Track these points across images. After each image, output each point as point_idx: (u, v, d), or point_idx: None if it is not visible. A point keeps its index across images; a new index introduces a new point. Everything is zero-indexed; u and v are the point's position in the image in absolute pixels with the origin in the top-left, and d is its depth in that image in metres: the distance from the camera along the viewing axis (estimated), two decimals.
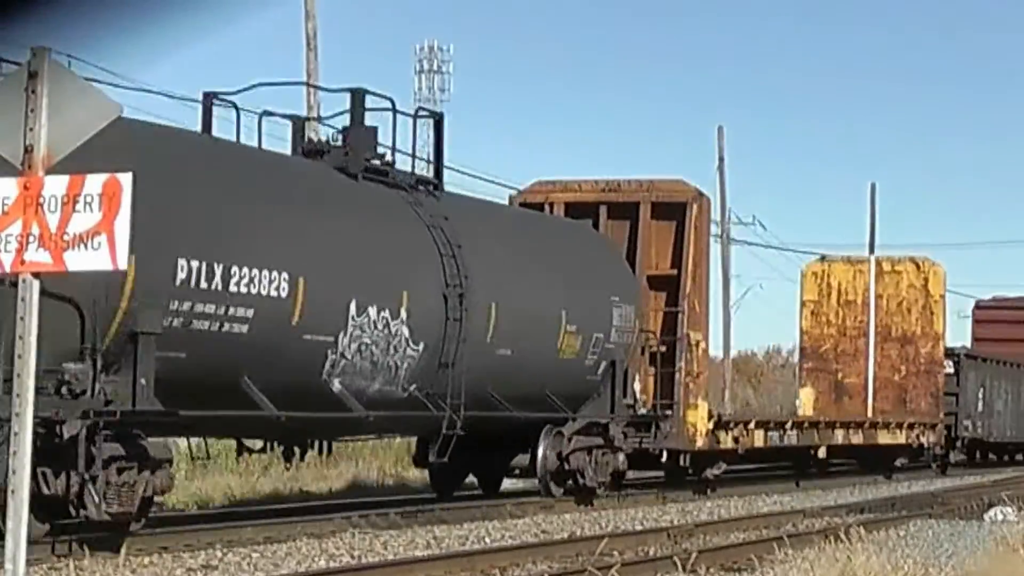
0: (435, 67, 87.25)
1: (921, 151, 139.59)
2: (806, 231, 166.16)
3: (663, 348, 27.34)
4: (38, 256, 9.38)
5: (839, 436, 34.95)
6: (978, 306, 55.58)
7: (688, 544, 19.22)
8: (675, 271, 27.70)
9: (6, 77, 9.73)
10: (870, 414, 38.49)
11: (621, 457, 25.11)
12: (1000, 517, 22.70)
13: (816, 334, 40.73)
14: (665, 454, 27.82)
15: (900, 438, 37.72)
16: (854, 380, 40.31)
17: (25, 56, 9.50)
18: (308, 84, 30.73)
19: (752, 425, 30.69)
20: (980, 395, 43.28)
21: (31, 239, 9.38)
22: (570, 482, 24.21)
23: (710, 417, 28.26)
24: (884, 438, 37.04)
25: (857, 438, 35.88)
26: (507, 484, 26.34)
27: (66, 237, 9.33)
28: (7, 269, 9.46)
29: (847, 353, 40.40)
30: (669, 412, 27.01)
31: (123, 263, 9.39)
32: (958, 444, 41.89)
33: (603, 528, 21.58)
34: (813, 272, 41.02)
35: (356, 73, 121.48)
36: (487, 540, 19.70)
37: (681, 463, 28.11)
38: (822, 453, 34.40)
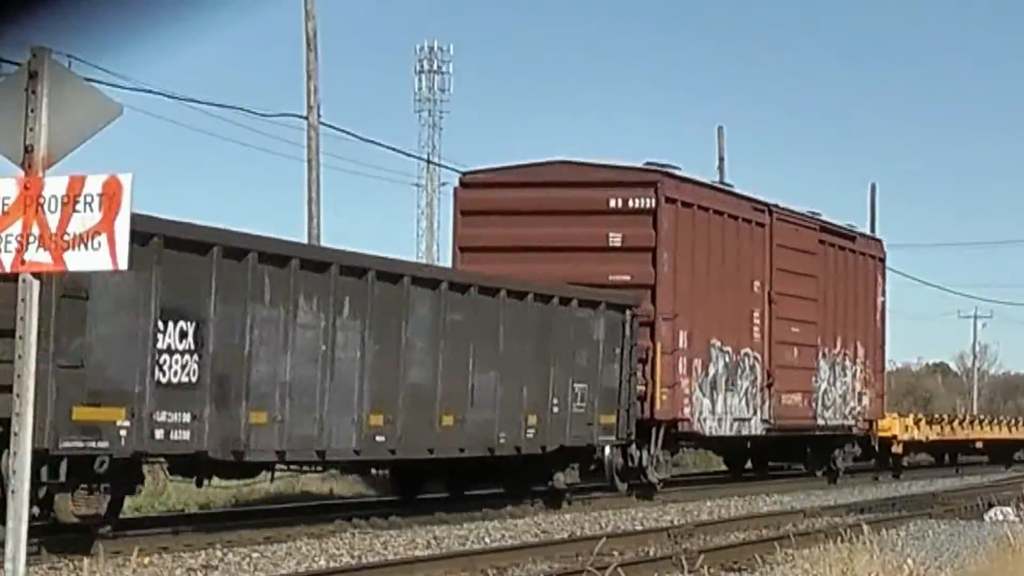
0: (435, 67, 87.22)
1: (921, 151, 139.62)
2: None
3: None
4: (38, 256, 9.37)
5: None
6: (464, 183, 28.39)
7: (688, 544, 19.23)
8: None
9: (6, 77, 9.72)
10: None
11: None
12: (1000, 517, 22.69)
13: None
14: None
15: None
16: None
17: (25, 56, 9.49)
18: None
19: None
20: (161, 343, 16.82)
21: (31, 239, 9.38)
22: None
23: None
24: None
25: None
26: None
27: (66, 237, 9.32)
28: (7, 269, 9.46)
29: None
30: None
31: (123, 263, 9.39)
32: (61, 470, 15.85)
33: (603, 528, 21.60)
34: None
35: (356, 73, 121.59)
36: (487, 540, 19.71)
37: None
38: None
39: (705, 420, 28.04)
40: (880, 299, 36.66)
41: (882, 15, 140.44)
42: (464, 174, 28.80)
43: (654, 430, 26.57)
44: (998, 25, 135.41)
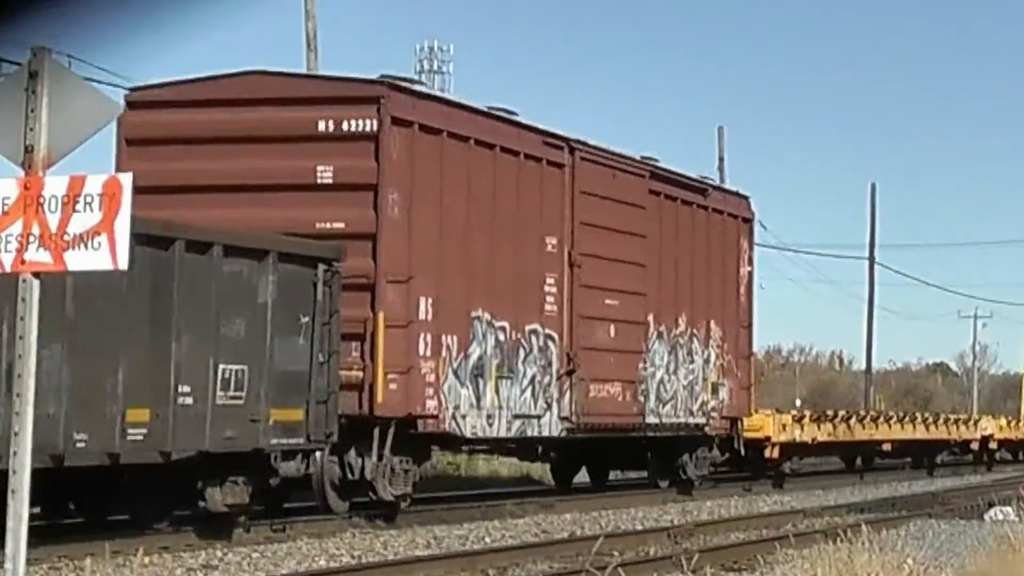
0: (435, 67, 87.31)
1: (921, 151, 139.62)
2: (806, 231, 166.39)
3: None
4: (38, 256, 9.37)
5: None
6: (131, 102, 20.61)
7: (688, 544, 19.24)
8: None
9: (6, 77, 9.71)
10: None
11: None
12: (1000, 517, 22.69)
13: None
14: None
15: None
16: None
17: (25, 56, 9.49)
18: None
19: None
20: None
21: (31, 239, 9.38)
22: None
23: None
24: None
25: None
26: None
27: (66, 237, 9.32)
28: (7, 269, 9.46)
29: None
30: None
31: (123, 263, 9.39)
32: None
33: (603, 528, 21.59)
34: None
35: (356, 73, 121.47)
36: (487, 540, 19.70)
37: None
38: None
39: (465, 417, 21.19)
40: (746, 268, 29.93)
41: (882, 15, 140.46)
42: (131, 90, 21.41)
43: (377, 430, 19.91)
44: (1000, 24, 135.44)
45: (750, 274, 30.12)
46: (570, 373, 23.55)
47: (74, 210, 9.31)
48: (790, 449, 33.29)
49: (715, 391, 28.39)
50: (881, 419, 38.38)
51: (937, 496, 28.90)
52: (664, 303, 26.61)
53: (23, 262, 9.38)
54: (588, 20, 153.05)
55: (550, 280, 23.27)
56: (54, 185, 9.35)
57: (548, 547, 18.47)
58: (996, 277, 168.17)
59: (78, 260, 9.36)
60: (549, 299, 23.23)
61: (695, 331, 27.73)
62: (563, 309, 23.48)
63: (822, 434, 34.61)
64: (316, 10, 32.57)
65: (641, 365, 25.79)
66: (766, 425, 31.96)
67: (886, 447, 38.52)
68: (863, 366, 67.90)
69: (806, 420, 34.07)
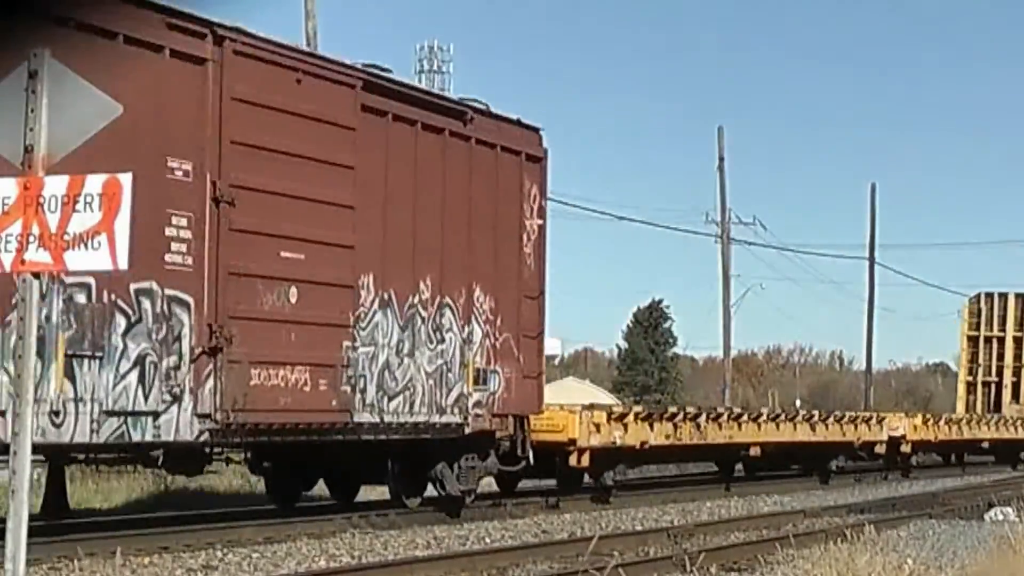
0: (435, 67, 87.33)
1: (921, 151, 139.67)
2: (806, 231, 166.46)
3: None
4: (38, 256, 9.36)
5: None
6: None
7: (688, 544, 19.23)
8: None
9: (6, 77, 9.69)
10: None
11: None
12: (1000, 517, 22.70)
13: None
14: None
15: None
16: None
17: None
18: None
19: None
20: None
21: (31, 239, 9.37)
22: None
23: None
24: None
25: None
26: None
27: (66, 237, 9.31)
28: (7, 269, 9.45)
29: None
30: None
31: (123, 263, 9.38)
32: None
33: (604, 528, 21.58)
34: None
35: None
36: (487, 540, 19.70)
37: None
38: None
39: (2, 415, 14.46)
40: (534, 221, 22.73)
41: (882, 14, 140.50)
42: None
43: None
44: (1000, 24, 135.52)
45: (541, 228, 22.77)
46: (215, 352, 17.05)
47: (74, 210, 9.31)
48: (610, 456, 25.86)
49: (481, 380, 21.50)
50: (746, 417, 30.74)
51: (937, 496, 28.96)
52: (392, 261, 19.77)
53: (23, 262, 9.38)
54: (588, 20, 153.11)
55: (179, 221, 16.74)
56: (54, 185, 9.35)
57: (548, 547, 18.46)
58: (996, 277, 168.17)
59: (78, 260, 9.35)
60: (176, 247, 16.69)
61: (448, 301, 20.85)
62: (203, 262, 16.98)
63: (657, 436, 26.93)
64: (316, 10, 32.53)
65: (347, 343, 19.03)
66: (570, 425, 24.64)
67: (754, 452, 31.11)
68: (863, 366, 68.01)
69: (631, 418, 26.21)
